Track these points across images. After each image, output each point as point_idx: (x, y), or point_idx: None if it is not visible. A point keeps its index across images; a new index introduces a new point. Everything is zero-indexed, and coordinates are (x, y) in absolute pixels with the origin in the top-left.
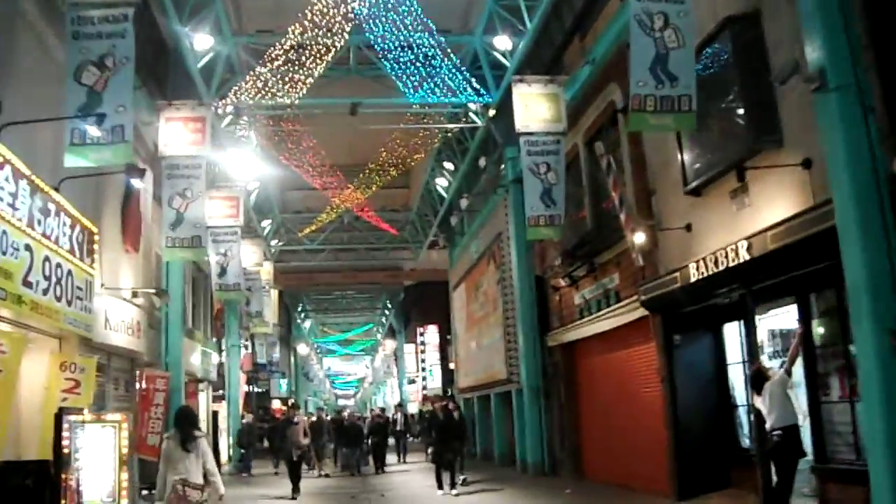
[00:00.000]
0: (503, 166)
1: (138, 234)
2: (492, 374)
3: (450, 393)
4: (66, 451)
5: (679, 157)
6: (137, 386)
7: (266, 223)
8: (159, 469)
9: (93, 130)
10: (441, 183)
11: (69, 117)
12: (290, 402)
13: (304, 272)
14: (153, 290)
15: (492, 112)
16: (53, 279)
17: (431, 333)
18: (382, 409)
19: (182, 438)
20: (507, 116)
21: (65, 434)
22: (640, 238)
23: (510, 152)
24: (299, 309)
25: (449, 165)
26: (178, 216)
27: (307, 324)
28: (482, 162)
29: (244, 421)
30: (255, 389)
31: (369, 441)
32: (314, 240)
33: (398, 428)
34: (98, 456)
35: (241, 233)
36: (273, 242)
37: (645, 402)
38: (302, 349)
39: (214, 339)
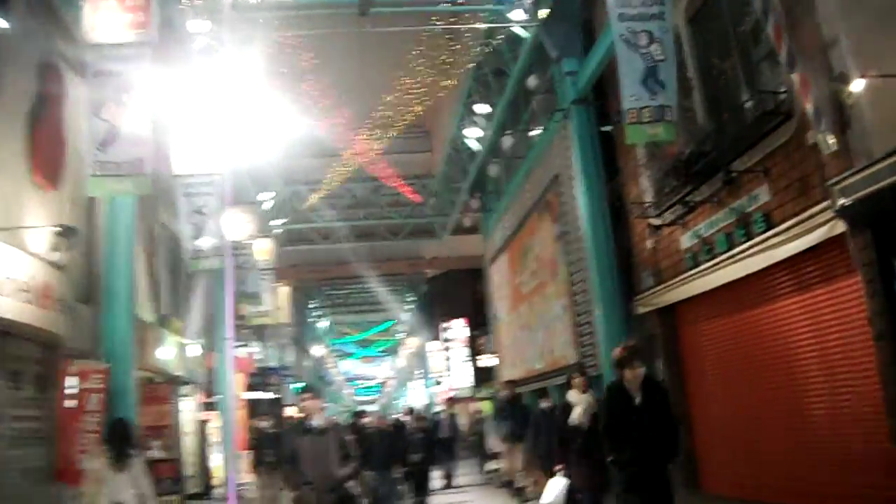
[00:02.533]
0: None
1: (58, 163)
2: (553, 360)
3: (480, 393)
4: None
5: None
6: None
7: (266, 196)
8: (84, 493)
9: None
10: (472, 134)
11: None
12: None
13: (317, 264)
14: (56, 227)
15: (543, 13)
16: None
17: (458, 328)
18: (411, 410)
19: (114, 456)
20: (565, 18)
21: None
22: (838, 99)
23: (569, 65)
24: (313, 305)
25: (482, 108)
26: (110, 130)
27: (322, 324)
28: (531, 82)
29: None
30: (267, 396)
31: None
32: (324, 216)
33: (442, 435)
34: None
35: (223, 188)
36: (277, 222)
37: (830, 374)
38: (317, 351)
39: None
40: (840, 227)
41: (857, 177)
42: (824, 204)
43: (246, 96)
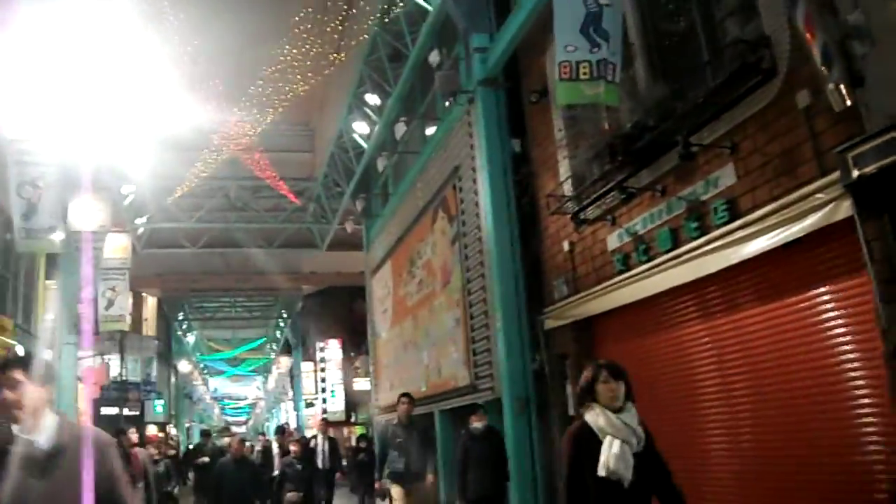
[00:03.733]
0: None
1: None
2: (441, 381)
3: (353, 418)
4: None
5: None
6: None
7: (126, 189)
8: None
9: None
10: (361, 129)
11: None
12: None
13: (184, 273)
14: None
15: None
16: None
17: (333, 349)
18: (282, 430)
19: None
20: None
21: None
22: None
23: (479, 40)
24: (180, 318)
25: (374, 99)
26: None
27: (190, 338)
28: (434, 58)
29: None
30: (126, 412)
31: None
32: (192, 216)
33: (321, 465)
34: None
35: (64, 158)
36: (140, 220)
37: (818, 401)
38: (184, 366)
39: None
40: (843, 210)
41: (884, 138)
42: (823, 180)
43: (98, 55)
